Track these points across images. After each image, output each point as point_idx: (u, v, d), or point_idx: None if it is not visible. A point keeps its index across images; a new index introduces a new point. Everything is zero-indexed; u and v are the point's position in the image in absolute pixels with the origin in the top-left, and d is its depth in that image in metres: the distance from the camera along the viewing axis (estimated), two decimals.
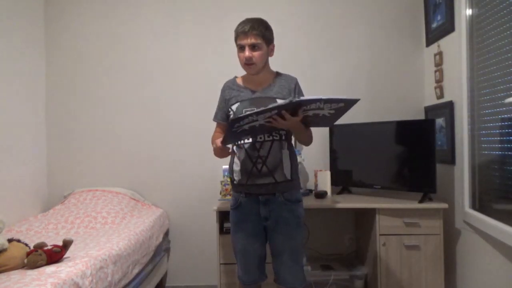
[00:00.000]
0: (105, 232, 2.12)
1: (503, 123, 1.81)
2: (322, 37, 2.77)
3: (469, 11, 2.06)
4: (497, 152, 1.87)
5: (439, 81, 2.43)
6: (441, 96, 2.41)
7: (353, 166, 2.51)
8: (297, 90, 1.67)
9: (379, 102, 2.73)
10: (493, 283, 1.88)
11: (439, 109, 2.40)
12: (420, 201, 2.15)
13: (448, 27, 2.26)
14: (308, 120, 1.53)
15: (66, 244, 1.61)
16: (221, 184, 2.38)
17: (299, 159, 2.49)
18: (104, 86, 2.84)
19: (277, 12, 2.76)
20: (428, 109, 2.61)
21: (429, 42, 2.58)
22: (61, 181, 2.83)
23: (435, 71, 2.46)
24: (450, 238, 2.27)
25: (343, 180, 2.55)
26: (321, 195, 2.38)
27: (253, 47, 1.57)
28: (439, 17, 2.40)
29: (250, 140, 1.60)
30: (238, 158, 1.63)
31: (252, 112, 1.36)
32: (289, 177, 1.60)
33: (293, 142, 1.82)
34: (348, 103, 1.41)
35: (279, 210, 1.60)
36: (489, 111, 1.90)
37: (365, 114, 2.69)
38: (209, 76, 2.76)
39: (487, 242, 1.91)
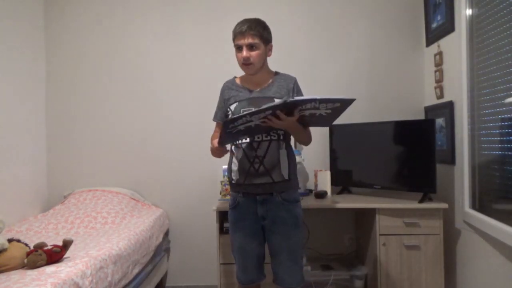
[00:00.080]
0: (105, 232, 2.12)
1: (503, 123, 1.81)
2: (322, 37, 2.77)
3: (469, 11, 2.06)
4: (497, 152, 1.87)
5: (439, 81, 2.43)
6: (441, 96, 2.41)
7: (353, 166, 2.51)
8: (295, 89, 1.67)
9: (379, 102, 2.73)
10: (493, 283, 1.88)
11: (439, 109, 2.40)
12: (420, 201, 2.15)
13: (448, 27, 2.26)
14: (306, 120, 1.52)
15: (66, 244, 1.61)
16: (221, 184, 2.38)
17: (299, 159, 2.49)
18: (104, 86, 2.84)
19: (276, 12, 2.76)
20: (428, 109, 2.61)
21: (429, 42, 2.58)
22: (61, 181, 2.83)
23: (435, 71, 2.46)
24: (450, 238, 2.27)
25: (343, 180, 2.55)
26: (321, 195, 2.38)
27: (250, 47, 1.58)
28: (439, 17, 2.40)
29: (248, 140, 1.60)
30: (236, 158, 1.64)
31: (245, 113, 1.37)
32: (286, 177, 1.60)
33: (293, 142, 1.82)
34: (344, 103, 1.40)
35: (277, 210, 1.61)
36: (489, 111, 1.90)
37: (365, 114, 2.69)
38: (210, 76, 2.76)
39: (487, 242, 1.91)
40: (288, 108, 1.41)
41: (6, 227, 2.20)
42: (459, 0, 2.12)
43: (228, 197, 2.28)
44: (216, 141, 1.55)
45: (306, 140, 1.71)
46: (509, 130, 1.76)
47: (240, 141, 1.62)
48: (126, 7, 2.83)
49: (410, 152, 2.26)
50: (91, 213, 2.39)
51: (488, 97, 1.91)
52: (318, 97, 1.35)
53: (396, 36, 2.73)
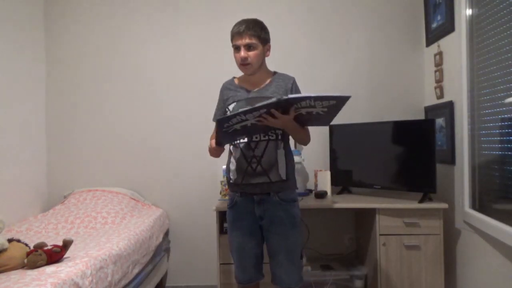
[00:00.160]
0: (105, 232, 2.12)
1: (503, 123, 1.81)
2: (322, 37, 2.77)
3: (469, 11, 2.06)
4: (497, 152, 1.87)
5: (439, 81, 2.43)
6: (441, 96, 2.41)
7: (353, 166, 2.51)
8: (294, 89, 1.67)
9: (379, 102, 2.73)
10: (493, 283, 1.88)
11: (439, 109, 2.40)
12: (420, 201, 2.15)
13: (448, 27, 2.26)
14: (303, 119, 1.52)
15: (66, 244, 1.61)
16: (221, 184, 2.38)
17: (299, 159, 2.49)
18: (104, 86, 2.84)
19: (276, 12, 2.76)
20: (428, 109, 2.61)
21: (429, 42, 2.58)
22: (61, 181, 2.83)
23: (435, 71, 2.46)
24: (450, 238, 2.27)
25: (343, 180, 2.55)
26: (321, 195, 2.38)
27: (248, 47, 1.58)
28: (439, 17, 2.40)
29: (246, 139, 1.61)
30: (234, 158, 1.65)
31: (239, 111, 1.36)
32: (284, 177, 1.60)
33: (293, 142, 1.82)
34: (339, 100, 1.39)
35: (274, 209, 1.61)
36: (489, 111, 1.90)
37: (365, 114, 2.70)
38: (210, 76, 2.76)
39: (487, 242, 1.91)
40: (283, 106, 1.40)
41: (6, 227, 2.20)
42: (459, 0, 2.12)
43: (228, 197, 2.28)
44: (213, 141, 1.56)
45: (304, 139, 1.71)
46: (509, 130, 1.76)
47: (238, 141, 1.63)
48: (126, 7, 2.83)
49: (410, 152, 2.26)
50: (91, 213, 2.39)
51: (488, 97, 1.91)
52: (312, 94, 1.35)
53: (396, 36, 2.73)
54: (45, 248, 1.54)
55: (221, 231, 2.22)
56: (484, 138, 1.97)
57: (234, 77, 1.78)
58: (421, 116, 2.68)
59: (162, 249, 2.58)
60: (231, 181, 1.67)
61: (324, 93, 1.36)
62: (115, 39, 2.84)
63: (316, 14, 2.77)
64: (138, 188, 2.82)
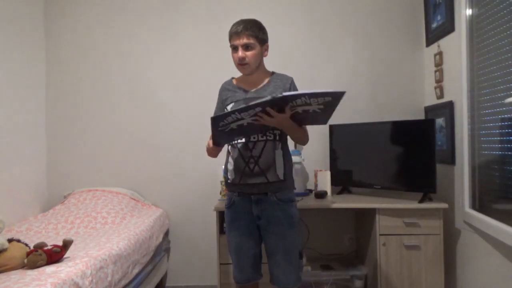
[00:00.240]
0: (105, 232, 2.12)
1: (503, 123, 1.81)
2: (322, 38, 2.77)
3: (469, 11, 2.06)
4: (497, 152, 1.87)
5: (439, 81, 2.43)
6: (441, 96, 2.41)
7: (353, 166, 2.51)
8: (292, 89, 1.67)
9: (379, 102, 2.73)
10: (493, 283, 1.88)
11: (439, 109, 2.40)
12: (420, 201, 2.15)
13: (448, 27, 2.26)
14: (300, 117, 1.52)
15: (66, 244, 1.61)
16: (221, 184, 2.38)
17: (299, 159, 2.49)
18: (104, 86, 2.84)
19: (275, 12, 2.76)
20: (428, 109, 2.61)
21: (429, 42, 2.58)
22: (61, 181, 2.83)
23: (435, 71, 2.46)
24: (450, 238, 2.27)
25: (343, 180, 2.55)
26: (321, 195, 2.38)
27: (246, 47, 1.58)
28: (439, 17, 2.40)
29: (244, 140, 1.61)
30: (232, 158, 1.65)
31: (233, 109, 1.36)
32: (281, 177, 1.60)
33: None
34: (334, 96, 1.39)
35: (271, 209, 1.61)
36: (489, 111, 1.90)
37: (365, 114, 2.70)
38: (210, 76, 2.76)
39: (487, 242, 1.91)
40: (279, 104, 1.40)
41: (6, 227, 2.20)
42: (459, 0, 2.12)
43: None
44: (211, 141, 1.57)
45: (302, 139, 1.70)
46: (509, 130, 1.76)
47: (236, 141, 1.63)
48: (126, 7, 2.83)
49: (410, 152, 2.26)
50: (91, 213, 2.39)
51: (488, 97, 1.91)
52: (306, 91, 1.34)
53: (396, 36, 2.73)
54: (45, 248, 1.54)
55: (221, 231, 2.22)
56: (484, 138, 1.96)
57: (232, 78, 1.78)
58: (421, 116, 2.68)
59: (162, 249, 2.58)
60: (228, 181, 1.68)
61: (317, 90, 1.35)
62: (115, 39, 2.84)
63: (316, 14, 2.77)
64: (138, 188, 2.82)
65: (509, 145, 1.76)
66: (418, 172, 2.21)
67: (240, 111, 1.36)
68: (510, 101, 1.73)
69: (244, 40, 1.57)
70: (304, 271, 2.32)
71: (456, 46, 2.16)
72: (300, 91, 1.36)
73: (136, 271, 1.98)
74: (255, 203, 1.62)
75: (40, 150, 2.79)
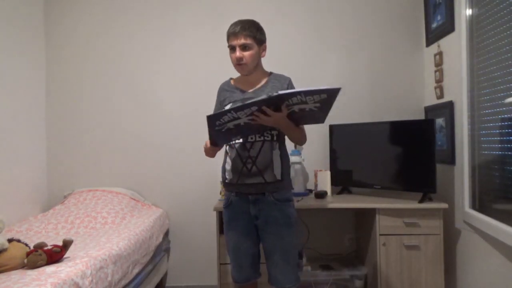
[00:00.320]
0: (105, 232, 2.12)
1: (503, 123, 1.81)
2: (322, 38, 2.77)
3: (469, 11, 2.06)
4: (497, 152, 1.87)
5: (439, 81, 2.43)
6: (441, 96, 2.41)
7: (353, 166, 2.51)
8: (289, 89, 1.67)
9: (379, 102, 2.73)
10: (493, 283, 1.88)
11: (439, 109, 2.40)
12: (420, 201, 2.15)
13: (448, 27, 2.26)
14: (297, 117, 1.52)
15: (66, 244, 1.61)
16: (221, 184, 2.38)
17: (299, 159, 2.49)
18: (104, 86, 2.84)
19: (275, 12, 2.76)
20: (428, 109, 2.61)
21: (429, 42, 2.58)
22: (61, 181, 2.83)
23: (435, 71, 2.46)
24: (450, 238, 2.27)
25: (343, 180, 2.55)
26: (321, 195, 2.38)
27: (244, 48, 1.59)
28: (439, 17, 2.40)
29: (241, 140, 1.61)
30: (230, 158, 1.66)
31: (229, 108, 1.37)
32: (279, 177, 1.61)
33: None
34: (330, 93, 1.39)
35: (269, 209, 1.61)
36: (489, 111, 1.90)
37: (365, 114, 2.70)
38: (210, 76, 2.76)
39: (487, 242, 1.91)
40: (275, 103, 1.40)
41: (6, 227, 2.20)
42: (459, 0, 2.12)
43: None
44: (208, 141, 1.57)
45: (300, 138, 1.70)
46: (509, 130, 1.76)
47: (233, 142, 1.63)
48: (126, 7, 2.83)
49: (410, 152, 2.26)
50: (91, 213, 2.39)
51: (488, 97, 1.91)
52: (302, 89, 1.35)
53: (396, 36, 2.73)
54: (45, 248, 1.54)
55: (221, 231, 2.20)
56: (484, 138, 1.97)
57: (230, 78, 1.79)
58: (421, 116, 2.67)
59: (162, 249, 2.58)
60: (226, 181, 1.68)
61: (313, 87, 1.35)
62: (115, 39, 2.84)
63: (315, 14, 2.77)
64: (138, 188, 2.82)
65: (509, 145, 1.76)
66: (418, 172, 2.21)
67: (236, 110, 1.37)
68: (510, 101, 1.73)
69: (242, 41, 1.58)
70: (304, 271, 2.32)
71: (456, 46, 2.16)
72: (295, 89, 1.36)
73: (136, 271, 1.98)
74: (253, 203, 1.63)
75: (40, 150, 2.79)
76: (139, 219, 2.40)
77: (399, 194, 2.35)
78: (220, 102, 1.74)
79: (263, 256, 1.69)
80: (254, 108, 1.38)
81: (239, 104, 1.59)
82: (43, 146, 2.82)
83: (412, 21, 2.71)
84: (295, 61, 2.75)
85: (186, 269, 2.80)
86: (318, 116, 1.53)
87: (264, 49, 1.68)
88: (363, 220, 2.47)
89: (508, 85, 1.74)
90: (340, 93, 1.42)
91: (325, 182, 2.48)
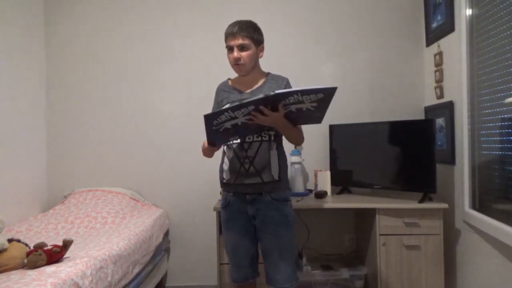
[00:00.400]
0: (105, 232, 2.12)
1: (503, 123, 1.81)
2: (321, 38, 2.77)
3: (469, 11, 2.06)
4: (497, 152, 1.87)
5: (439, 81, 2.43)
6: (441, 96, 2.41)
7: (353, 166, 2.51)
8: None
9: (379, 102, 2.73)
10: (493, 283, 1.88)
11: (439, 109, 2.40)
12: (420, 201, 2.15)
13: (448, 27, 2.26)
14: (294, 116, 1.53)
15: (66, 244, 1.61)
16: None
17: (299, 159, 2.50)
18: (104, 86, 2.84)
19: (274, 13, 2.76)
20: (428, 109, 2.61)
21: (429, 42, 2.58)
22: (61, 181, 2.83)
23: (435, 71, 2.46)
24: (450, 238, 2.27)
25: (343, 180, 2.55)
26: (321, 195, 2.38)
27: (241, 48, 1.59)
28: (439, 17, 2.40)
29: (239, 140, 1.62)
30: (228, 158, 1.66)
31: (226, 107, 1.37)
32: (276, 177, 1.61)
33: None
34: (327, 93, 1.39)
35: (266, 209, 1.62)
36: (489, 111, 1.90)
37: (365, 114, 2.70)
38: (210, 76, 2.75)
39: (487, 242, 1.91)
40: (272, 103, 1.41)
41: (6, 227, 2.20)
42: (459, 0, 2.12)
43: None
44: (206, 141, 1.58)
45: (297, 138, 1.71)
46: (509, 130, 1.76)
47: (231, 142, 1.64)
48: (126, 8, 2.83)
49: (410, 152, 2.26)
50: (91, 213, 2.39)
51: (488, 97, 1.91)
52: (299, 88, 1.35)
53: (396, 36, 2.73)
54: (45, 248, 1.54)
55: (221, 231, 2.21)
56: (484, 138, 1.97)
57: (228, 79, 1.79)
58: (421, 116, 2.67)
59: (162, 249, 2.58)
60: (224, 181, 1.70)
61: (309, 86, 1.36)
62: (115, 39, 2.84)
63: (315, 14, 2.77)
64: (138, 188, 2.82)
65: (509, 145, 1.76)
66: (418, 172, 2.21)
67: (233, 109, 1.37)
68: (510, 101, 1.73)
69: (240, 41, 1.58)
70: (304, 271, 2.32)
71: (456, 46, 2.16)
72: (292, 89, 1.36)
73: (136, 271, 1.98)
74: (250, 203, 1.63)
75: (40, 150, 2.79)
76: (139, 219, 2.40)
77: (399, 194, 2.35)
78: (218, 103, 1.74)
79: (261, 256, 1.70)
80: (251, 107, 1.39)
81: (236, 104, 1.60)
82: (43, 146, 2.82)
83: (412, 21, 2.71)
84: (295, 61, 2.75)
85: (186, 269, 2.80)
86: (316, 115, 1.54)
87: (262, 50, 1.68)
88: (363, 220, 2.47)
89: (508, 85, 1.74)
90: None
91: (325, 182, 2.48)
